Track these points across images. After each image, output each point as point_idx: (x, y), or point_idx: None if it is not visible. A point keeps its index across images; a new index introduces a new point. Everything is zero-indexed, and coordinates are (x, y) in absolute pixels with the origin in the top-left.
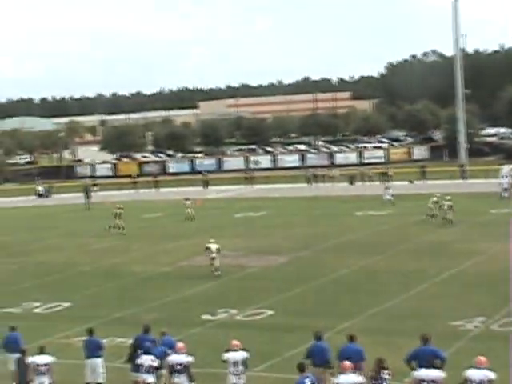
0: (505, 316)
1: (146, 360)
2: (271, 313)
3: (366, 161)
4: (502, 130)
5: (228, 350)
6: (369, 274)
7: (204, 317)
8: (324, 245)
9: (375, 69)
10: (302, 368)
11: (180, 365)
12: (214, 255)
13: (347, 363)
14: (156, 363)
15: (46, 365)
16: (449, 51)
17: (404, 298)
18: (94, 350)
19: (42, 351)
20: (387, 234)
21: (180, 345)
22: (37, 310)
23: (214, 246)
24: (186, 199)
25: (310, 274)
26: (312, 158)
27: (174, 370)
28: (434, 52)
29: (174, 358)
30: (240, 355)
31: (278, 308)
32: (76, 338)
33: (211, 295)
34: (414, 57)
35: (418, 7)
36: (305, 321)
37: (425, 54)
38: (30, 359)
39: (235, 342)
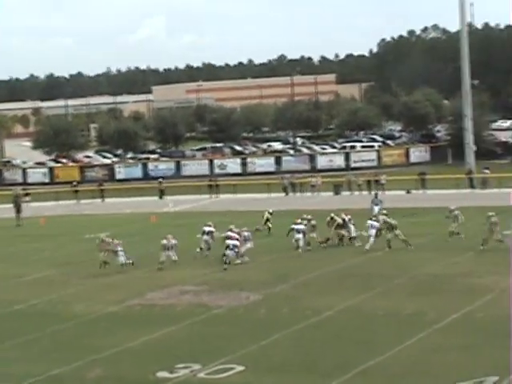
0: None
1: None
2: (241, 368)
3: (355, 165)
4: None
5: None
6: (357, 316)
7: (160, 374)
8: (303, 277)
9: (365, 46)
10: None
11: None
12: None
13: None
14: None
15: None
16: (453, 26)
17: (399, 349)
18: None
19: None
20: (379, 264)
21: None
22: None
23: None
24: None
25: (287, 316)
26: (289, 162)
27: None
28: (435, 27)
29: None
30: None
31: (249, 362)
32: None
33: (169, 344)
34: (411, 33)
35: None
36: (281, 380)
37: (425, 30)
38: None
39: None
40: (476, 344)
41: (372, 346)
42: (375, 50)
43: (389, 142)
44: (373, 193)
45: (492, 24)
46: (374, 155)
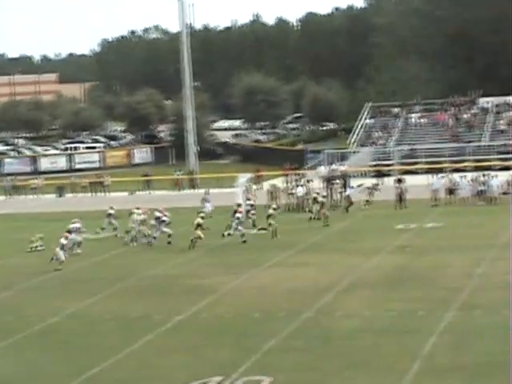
0: (244, 374)
1: None
2: None
3: (78, 166)
4: (237, 122)
5: None
6: (84, 321)
7: None
8: (27, 283)
9: (87, 46)
10: None
11: None
12: None
13: None
14: None
15: None
16: (174, 27)
17: (126, 353)
18: None
19: None
20: (104, 267)
21: None
22: None
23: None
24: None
25: (11, 324)
26: (11, 164)
27: None
28: (156, 28)
29: None
30: None
31: None
32: None
33: None
34: (133, 33)
35: None
36: None
37: (146, 30)
38: None
39: None
40: (201, 344)
41: (99, 351)
42: (97, 49)
43: (112, 142)
44: (203, 190)
45: (212, 25)
46: (97, 156)
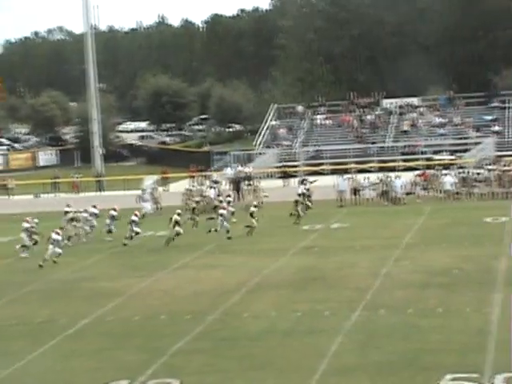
0: (152, 376)
1: None
2: None
3: None
4: (143, 124)
5: None
6: None
7: None
8: None
9: None
10: None
11: None
12: None
13: None
14: None
15: None
16: (78, 28)
17: (31, 359)
18: None
19: None
20: (9, 271)
21: None
22: None
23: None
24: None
25: None
26: None
27: None
28: (60, 29)
29: None
30: None
31: None
32: None
33: None
34: (36, 34)
35: None
36: None
37: (50, 31)
38: None
39: None
40: (107, 348)
41: (4, 357)
42: (0, 51)
43: (16, 145)
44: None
45: (116, 27)
46: (0, 159)
